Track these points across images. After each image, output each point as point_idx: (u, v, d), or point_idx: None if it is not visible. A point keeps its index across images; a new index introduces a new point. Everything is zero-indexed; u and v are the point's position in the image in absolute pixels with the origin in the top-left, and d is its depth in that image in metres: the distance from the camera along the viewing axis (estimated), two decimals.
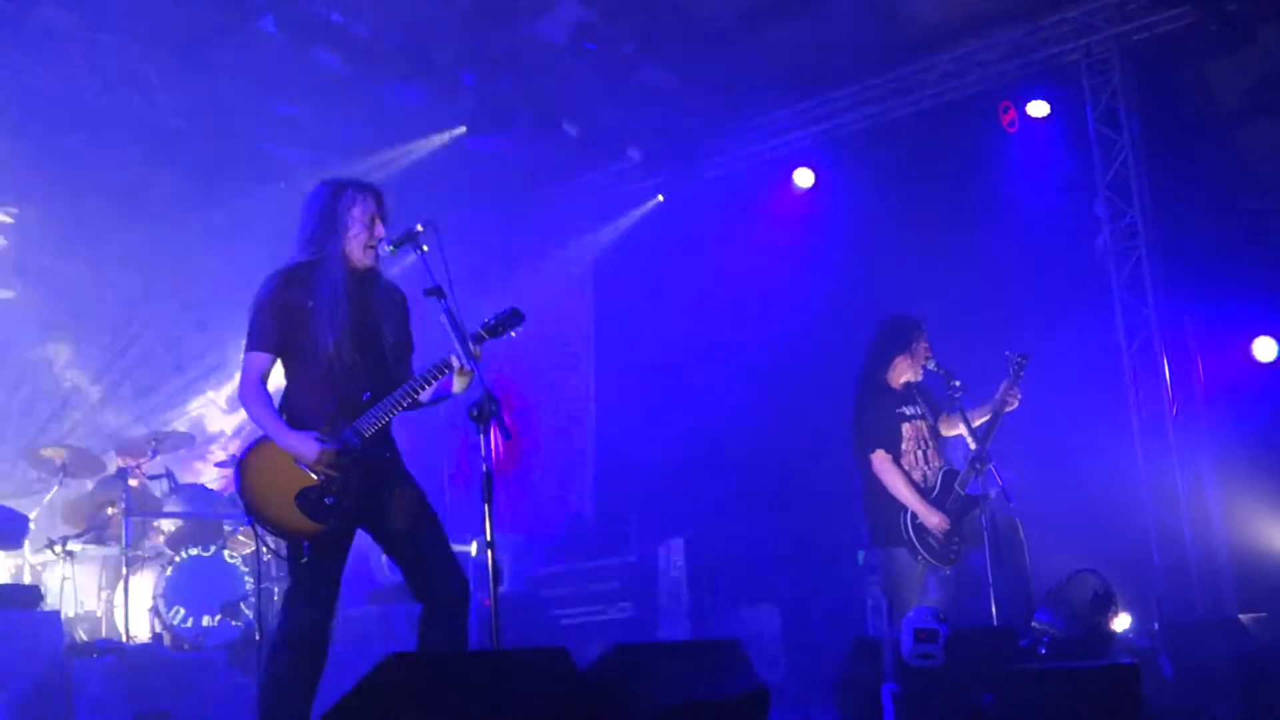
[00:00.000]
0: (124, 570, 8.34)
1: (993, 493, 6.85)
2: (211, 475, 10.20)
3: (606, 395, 12.18)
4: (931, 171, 10.11)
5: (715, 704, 4.40)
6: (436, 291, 4.79)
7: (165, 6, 8.79)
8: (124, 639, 8.15)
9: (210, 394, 11.40)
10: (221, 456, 10.44)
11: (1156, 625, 8.15)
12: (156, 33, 9.01)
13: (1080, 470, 8.98)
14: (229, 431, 11.13)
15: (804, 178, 11.08)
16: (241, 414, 9.53)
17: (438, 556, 4.94)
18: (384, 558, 6.14)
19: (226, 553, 8.59)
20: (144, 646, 8.15)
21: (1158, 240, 9.48)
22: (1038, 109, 9.98)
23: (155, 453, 9.30)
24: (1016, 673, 5.68)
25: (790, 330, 10.44)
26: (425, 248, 4.91)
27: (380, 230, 5.00)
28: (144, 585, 8.45)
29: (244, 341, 4.96)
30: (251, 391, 4.89)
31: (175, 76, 9.41)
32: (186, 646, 8.19)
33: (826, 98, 10.82)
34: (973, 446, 6.86)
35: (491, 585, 4.46)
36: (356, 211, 4.99)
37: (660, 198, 11.78)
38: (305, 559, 4.80)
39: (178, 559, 8.44)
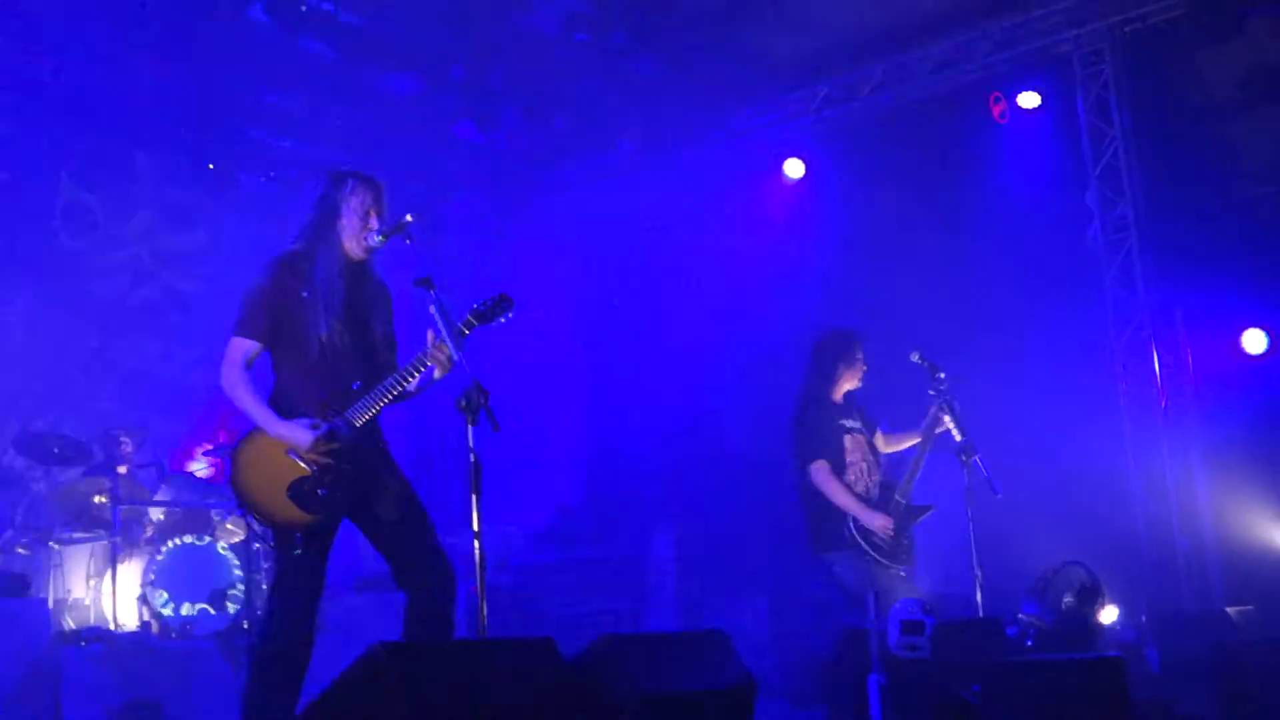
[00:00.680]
0: (112, 558, 8.33)
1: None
2: (200, 464, 10.18)
3: (597, 385, 12.17)
4: (922, 162, 10.10)
5: (702, 694, 4.41)
6: (426, 282, 4.79)
7: None
8: (112, 627, 8.14)
9: None
10: (209, 446, 10.42)
11: (1143, 617, 8.18)
12: (144, 18, 8.96)
13: (1068, 461, 8.99)
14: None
15: (794, 169, 11.07)
16: None
17: (423, 547, 4.95)
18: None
19: (216, 542, 8.58)
20: (132, 635, 8.15)
21: (1148, 232, 9.48)
22: (1029, 100, 9.97)
23: (144, 441, 9.28)
24: (1003, 664, 5.71)
25: (781, 321, 10.43)
26: (412, 239, 4.92)
27: (374, 222, 5.01)
28: (132, 574, 8.44)
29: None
30: (235, 377, 4.88)
31: (163, 63, 9.36)
32: (175, 635, 8.19)
33: (816, 88, 10.79)
34: (958, 438, 6.87)
35: (478, 575, 4.46)
36: (355, 202, 5.01)
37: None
38: (297, 550, 4.80)
39: (166, 547, 8.43)
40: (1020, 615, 7.05)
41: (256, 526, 4.91)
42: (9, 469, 9.37)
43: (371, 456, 4.98)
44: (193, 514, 8.97)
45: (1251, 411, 9.12)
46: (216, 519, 8.94)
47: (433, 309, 4.77)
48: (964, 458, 6.83)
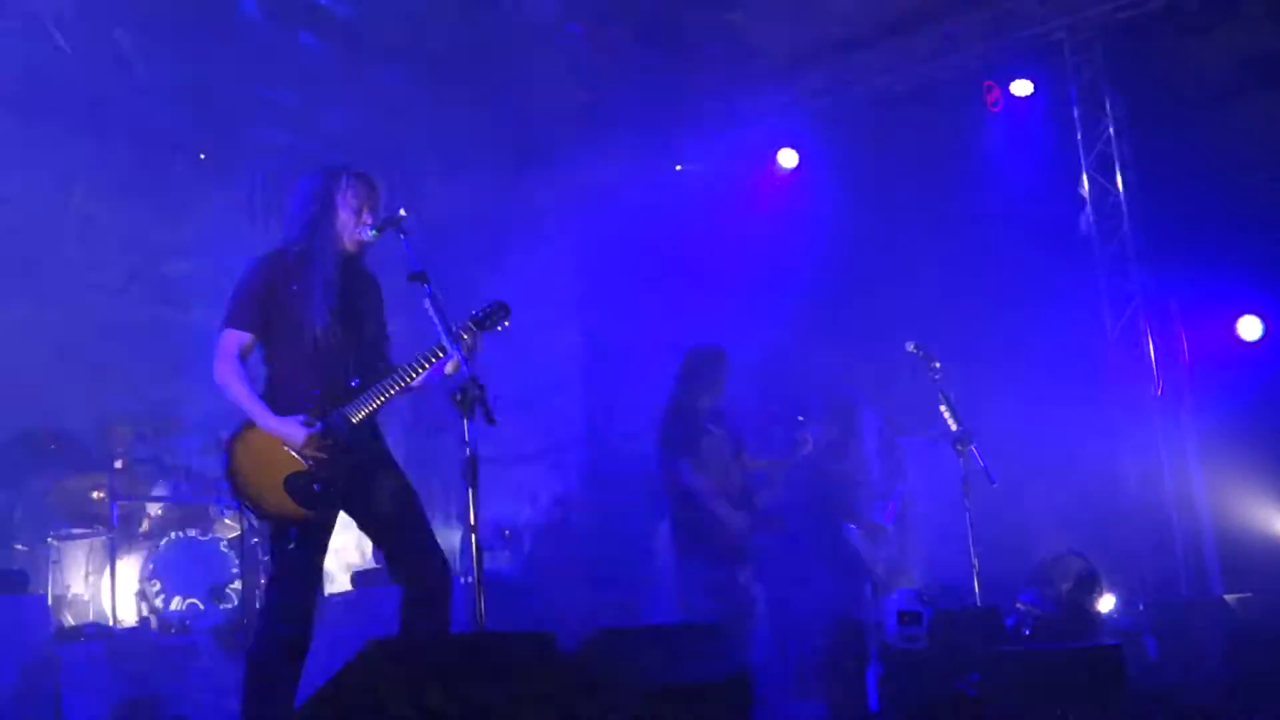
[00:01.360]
0: (110, 554, 8.33)
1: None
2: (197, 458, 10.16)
3: (596, 375, 12.16)
4: (915, 151, 10.09)
5: (700, 687, 4.41)
6: (420, 276, 4.77)
7: None
8: (111, 623, 8.15)
9: None
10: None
11: (1141, 606, 8.20)
12: (137, 14, 8.94)
13: (1064, 450, 9.00)
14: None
15: (788, 158, 11.06)
16: None
17: (420, 541, 4.95)
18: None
19: (214, 537, 8.59)
20: (131, 630, 8.16)
21: (1141, 219, 9.50)
22: (1021, 88, 9.98)
23: (141, 435, 9.27)
24: (1001, 654, 5.72)
25: (775, 310, 10.43)
26: (406, 233, 4.91)
27: (367, 217, 5.01)
28: (130, 569, 8.44)
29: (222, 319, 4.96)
30: (228, 369, 4.87)
31: (156, 60, 9.33)
32: (174, 630, 8.20)
33: (809, 78, 10.78)
34: (954, 427, 6.89)
35: (475, 568, 4.46)
36: (349, 197, 5.01)
37: (679, 167, 11.76)
38: (292, 545, 4.80)
39: (164, 542, 8.43)
40: (1018, 604, 7.08)
41: (253, 519, 4.91)
42: (6, 466, 9.35)
43: (368, 452, 4.98)
44: (191, 509, 8.98)
45: (1247, 398, 9.11)
46: (214, 514, 8.95)
47: (427, 303, 4.76)
48: (960, 447, 6.85)
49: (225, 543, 8.60)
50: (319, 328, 4.88)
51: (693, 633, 4.92)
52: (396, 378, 4.88)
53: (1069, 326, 9.42)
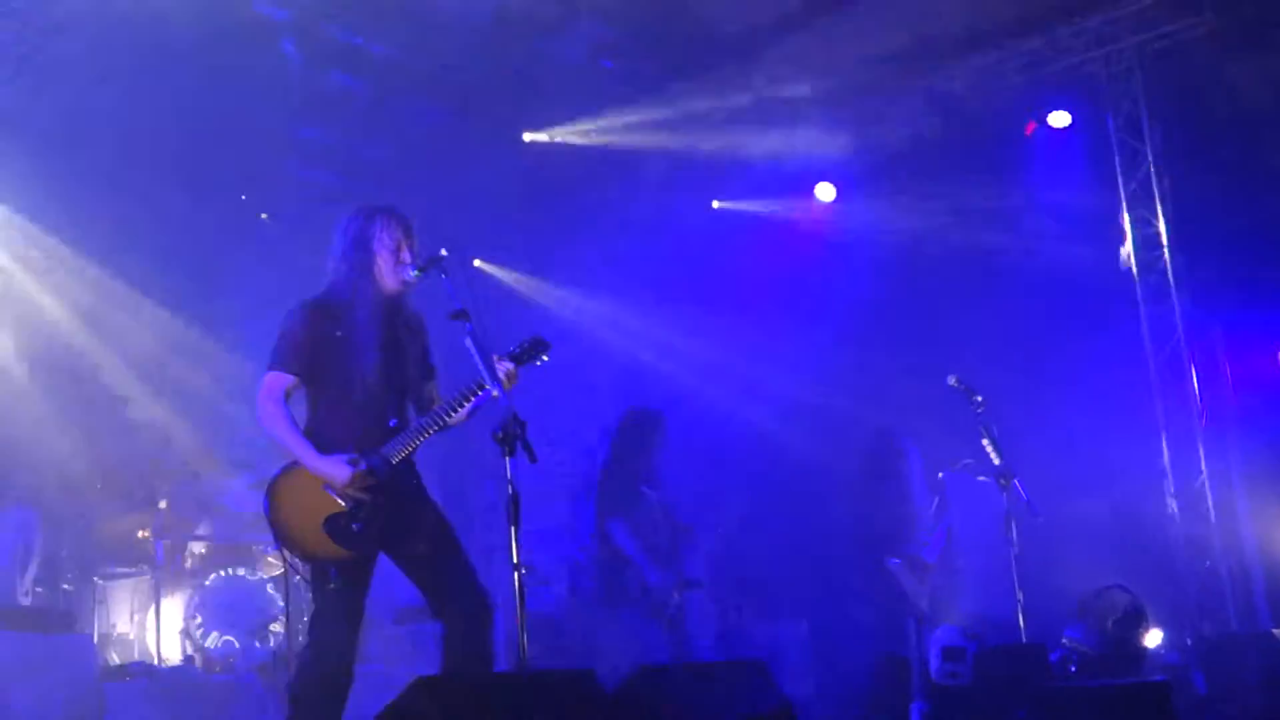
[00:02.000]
0: (155, 593, 8.39)
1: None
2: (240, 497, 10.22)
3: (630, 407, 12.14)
4: (954, 184, 10.09)
5: None
6: (462, 314, 4.79)
7: (183, 28, 8.82)
8: (156, 661, 8.20)
9: None
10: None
11: (1189, 640, 8.10)
12: (175, 54, 9.04)
13: (1108, 482, 8.94)
14: None
15: (825, 192, 11.08)
16: None
17: (459, 579, 4.96)
18: None
19: (258, 575, 8.63)
20: (176, 669, 8.21)
21: (1183, 248, 9.45)
22: (1059, 119, 9.97)
23: (186, 475, 9.35)
24: (1047, 690, 5.66)
25: (809, 344, 10.42)
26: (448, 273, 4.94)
27: (406, 256, 5.06)
28: (175, 607, 8.50)
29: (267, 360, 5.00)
30: (273, 410, 4.91)
31: (195, 99, 9.44)
32: (218, 668, 8.24)
33: (846, 112, 10.80)
34: (997, 462, 6.84)
35: (518, 606, 4.46)
36: (386, 238, 5.06)
37: (716, 204, 11.80)
38: (333, 585, 4.82)
39: (209, 581, 8.49)
40: (1064, 640, 7.00)
41: (294, 561, 4.93)
42: (52, 506, 9.43)
43: (406, 491, 4.99)
44: (235, 547, 9.03)
45: None
46: (258, 552, 8.99)
47: (468, 341, 4.79)
48: (1003, 481, 6.80)
49: (269, 581, 8.64)
50: (360, 373, 4.92)
51: (734, 670, 4.91)
52: (435, 418, 4.91)
53: (1111, 358, 9.37)
